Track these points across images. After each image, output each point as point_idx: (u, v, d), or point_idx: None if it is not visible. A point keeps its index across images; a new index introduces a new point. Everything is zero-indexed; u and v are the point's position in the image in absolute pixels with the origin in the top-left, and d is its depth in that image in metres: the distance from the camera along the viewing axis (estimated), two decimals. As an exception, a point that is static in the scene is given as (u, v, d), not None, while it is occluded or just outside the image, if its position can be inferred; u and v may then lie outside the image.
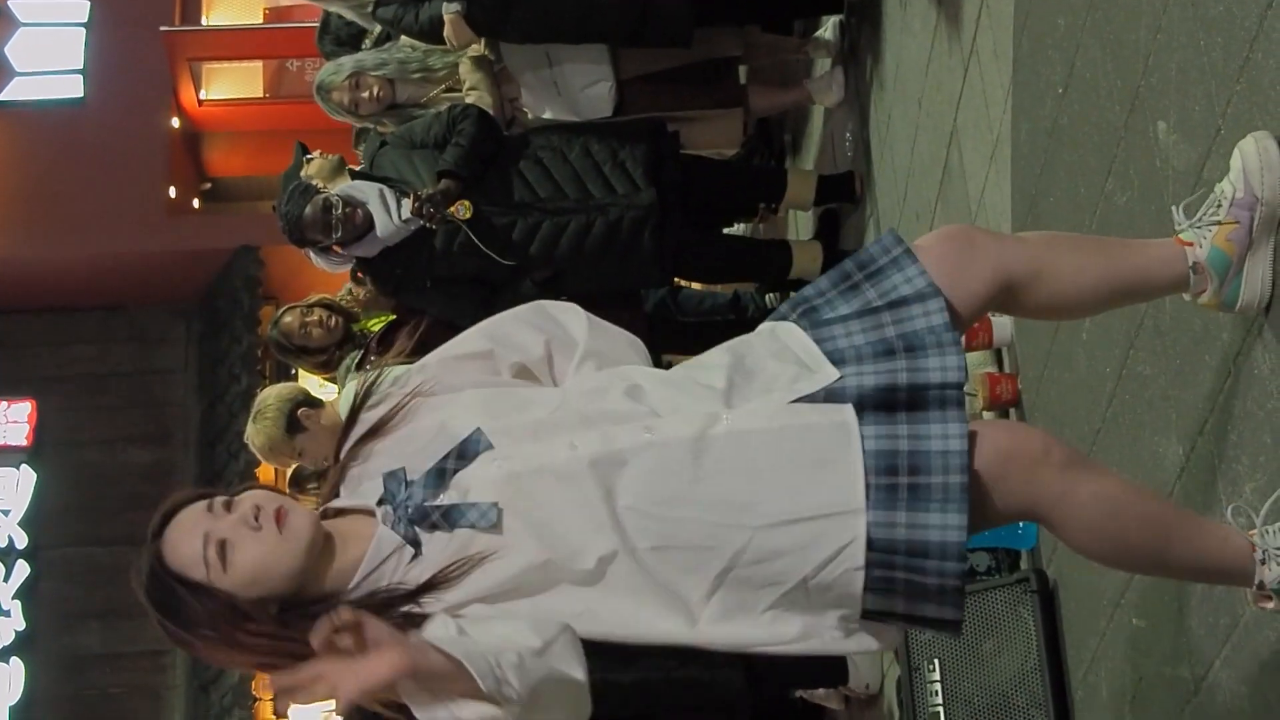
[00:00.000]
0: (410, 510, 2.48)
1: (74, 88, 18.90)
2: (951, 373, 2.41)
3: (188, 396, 18.34)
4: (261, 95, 20.00)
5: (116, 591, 17.71)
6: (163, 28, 18.77)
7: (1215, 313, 2.86)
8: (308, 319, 6.32)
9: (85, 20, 19.20)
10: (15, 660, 17.40)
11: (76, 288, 18.00)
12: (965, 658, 4.31)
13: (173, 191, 18.74)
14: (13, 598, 17.58)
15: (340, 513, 2.59)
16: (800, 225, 7.44)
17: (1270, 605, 2.55)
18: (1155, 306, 3.27)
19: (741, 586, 2.41)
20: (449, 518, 2.46)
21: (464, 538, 2.45)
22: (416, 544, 2.47)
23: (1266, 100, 2.69)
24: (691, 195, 6.26)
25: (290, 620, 2.44)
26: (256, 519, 2.46)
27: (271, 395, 5.77)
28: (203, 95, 19.71)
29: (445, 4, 5.97)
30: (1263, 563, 2.51)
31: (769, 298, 6.96)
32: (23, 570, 17.66)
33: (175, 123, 19.13)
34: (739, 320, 6.74)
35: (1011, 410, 4.50)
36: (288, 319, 6.36)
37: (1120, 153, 3.43)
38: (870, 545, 2.35)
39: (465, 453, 2.49)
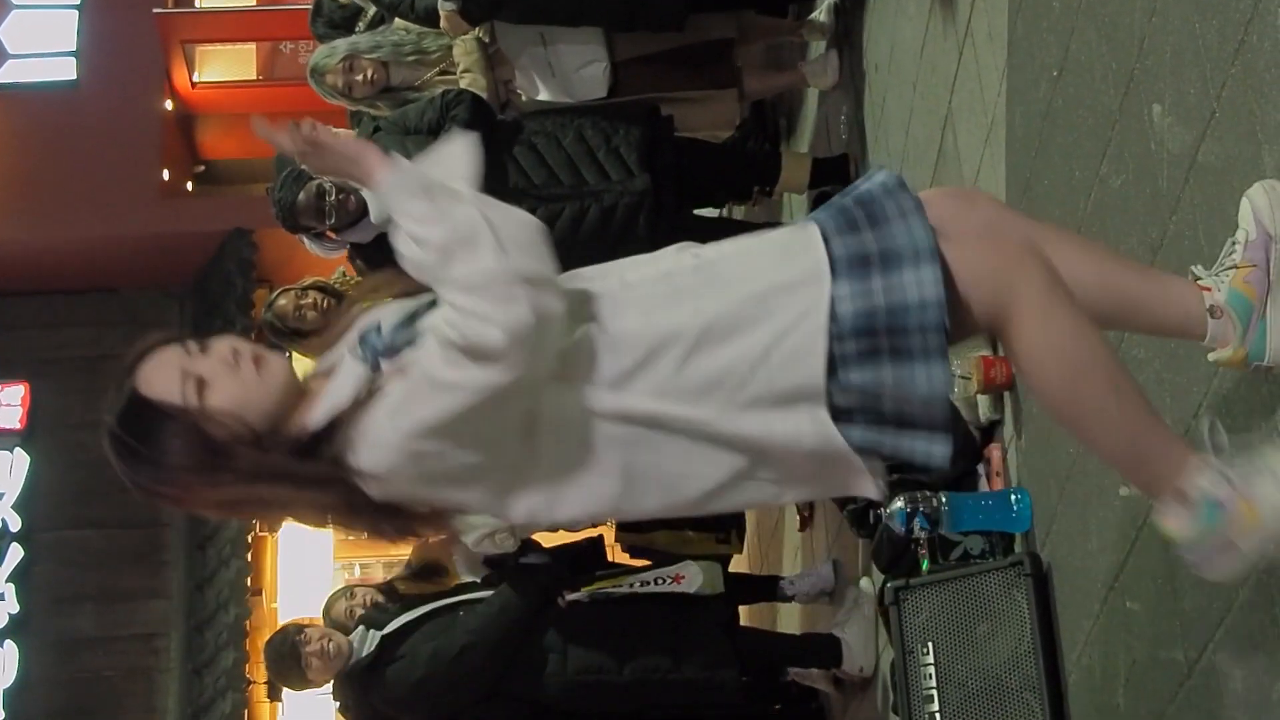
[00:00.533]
0: (379, 348, 2.52)
1: (67, 70, 18.90)
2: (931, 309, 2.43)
3: (182, 379, 18.33)
4: (255, 77, 19.98)
5: (110, 574, 17.75)
6: (156, 10, 18.76)
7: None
8: (302, 301, 6.31)
9: (78, 2, 19.18)
10: (9, 644, 17.43)
11: (70, 270, 18.00)
12: (959, 641, 4.31)
13: (166, 174, 18.73)
14: (6, 581, 17.60)
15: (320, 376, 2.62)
16: (795, 208, 7.44)
17: (1171, 524, 2.51)
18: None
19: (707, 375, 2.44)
20: (413, 344, 2.48)
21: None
22: (378, 369, 2.49)
23: (1261, 83, 2.69)
24: (686, 179, 6.25)
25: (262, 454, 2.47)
26: (235, 360, 2.49)
27: None
28: (196, 77, 19.70)
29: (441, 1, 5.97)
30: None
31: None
32: (16, 554, 17.68)
33: (168, 105, 19.12)
34: None
35: (1005, 393, 4.51)
36: (282, 301, 6.36)
37: (1115, 136, 3.43)
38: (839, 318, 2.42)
39: (437, 301, 2.48)
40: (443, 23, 6.01)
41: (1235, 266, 2.61)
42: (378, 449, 2.40)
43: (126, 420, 2.49)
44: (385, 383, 2.43)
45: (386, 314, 2.61)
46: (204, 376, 2.47)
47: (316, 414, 2.48)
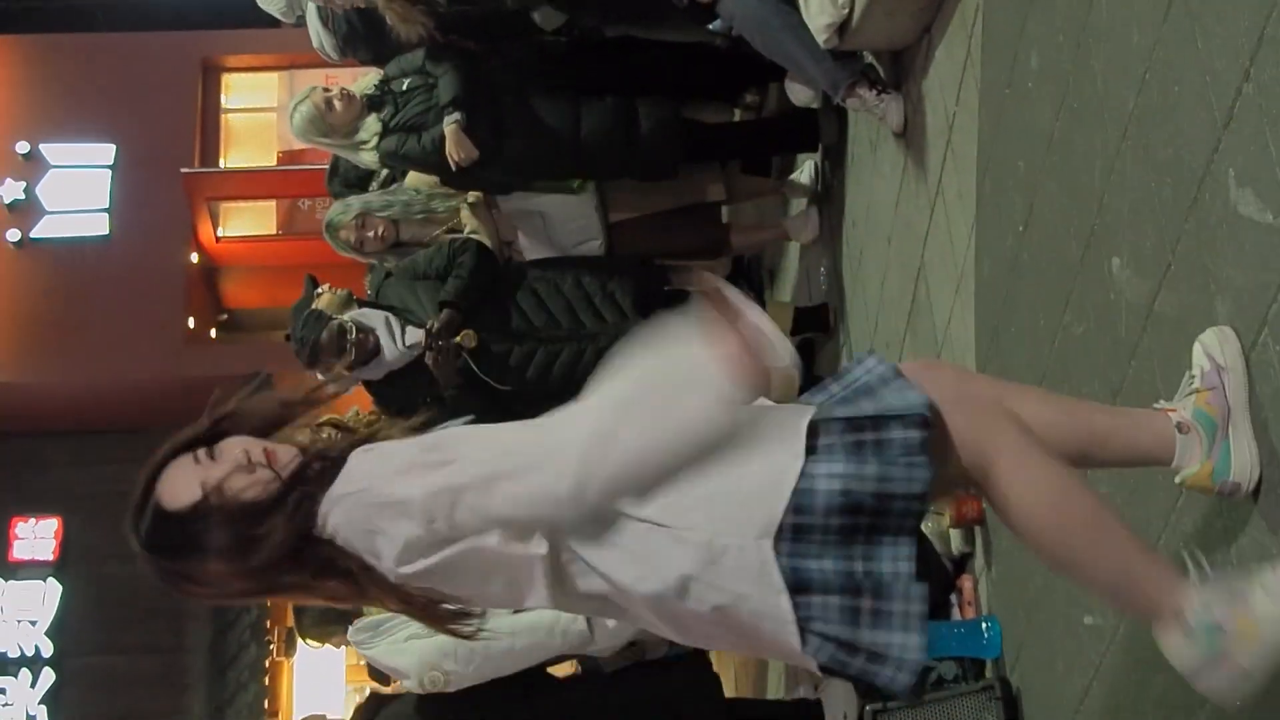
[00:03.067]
0: None
1: (100, 225, 19.03)
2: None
3: (204, 514, 18.31)
4: (275, 232, 20.13)
5: (135, 698, 17.61)
6: (183, 169, 18.93)
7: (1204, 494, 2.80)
8: (318, 436, 6.30)
9: (111, 163, 19.34)
10: (41, 765, 17.27)
11: (100, 412, 18.01)
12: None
13: (191, 322, 18.81)
14: (39, 703, 17.49)
15: None
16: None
17: (1171, 648, 2.44)
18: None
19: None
20: None
21: None
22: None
23: (1213, 238, 2.69)
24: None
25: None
26: (248, 461, 2.48)
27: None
28: (220, 232, 19.84)
29: (445, 116, 5.99)
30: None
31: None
32: (48, 678, 17.58)
33: (194, 258, 19.24)
34: None
35: (977, 527, 4.49)
36: (300, 439, 6.35)
37: (1077, 286, 3.44)
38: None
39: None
40: (449, 144, 6.01)
41: (1195, 391, 2.63)
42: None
43: (154, 534, 2.49)
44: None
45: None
46: (224, 486, 2.46)
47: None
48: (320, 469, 2.51)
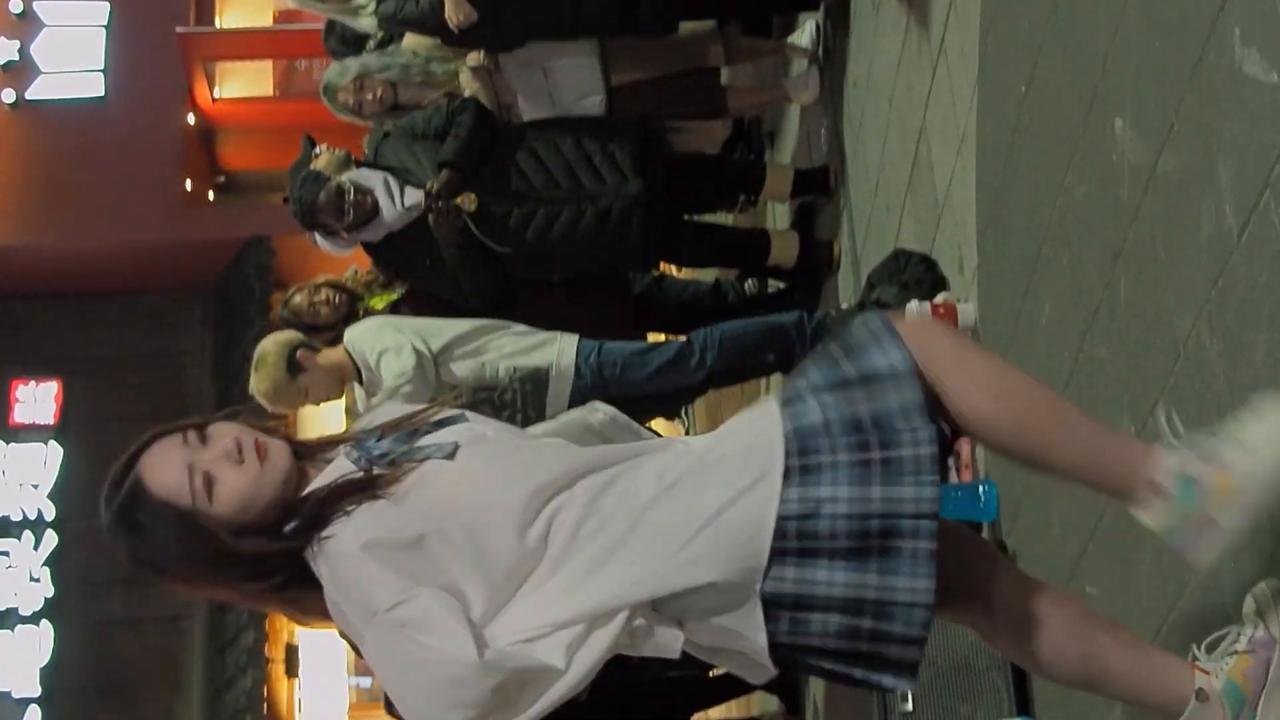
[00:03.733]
0: (373, 454, 2.46)
1: (95, 86, 18.92)
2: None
3: (204, 377, 18.35)
4: (272, 93, 20.00)
5: (138, 560, 17.78)
6: (178, 29, 18.77)
7: (1164, 299, 2.83)
8: (316, 298, 6.31)
9: (105, 22, 19.19)
10: (45, 624, 17.47)
11: (98, 275, 18.01)
12: (930, 624, 4.30)
13: (188, 184, 18.75)
14: (41, 565, 17.65)
15: (311, 458, 2.57)
16: (778, 216, 7.42)
17: (1149, 516, 2.42)
18: (1111, 293, 3.25)
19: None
20: (408, 455, 2.44)
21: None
22: (371, 470, 2.44)
23: (1217, 99, 2.67)
24: (676, 187, 6.25)
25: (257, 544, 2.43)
26: (240, 453, 2.43)
27: (269, 343, 5.70)
28: (216, 93, 19.71)
29: None
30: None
31: (748, 284, 6.94)
32: (51, 540, 17.73)
33: (190, 119, 19.12)
34: (720, 306, 6.73)
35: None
36: (297, 299, 6.36)
37: (1079, 148, 3.41)
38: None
39: (442, 423, 2.49)
40: (448, 8, 5.93)
41: (1236, 653, 2.46)
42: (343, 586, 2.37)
43: (128, 511, 2.46)
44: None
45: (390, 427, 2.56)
46: (210, 473, 2.42)
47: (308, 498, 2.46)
48: (314, 510, 2.42)
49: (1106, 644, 2.54)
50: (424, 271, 6.10)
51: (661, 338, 6.63)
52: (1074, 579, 3.55)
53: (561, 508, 2.38)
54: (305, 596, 2.43)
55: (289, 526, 2.40)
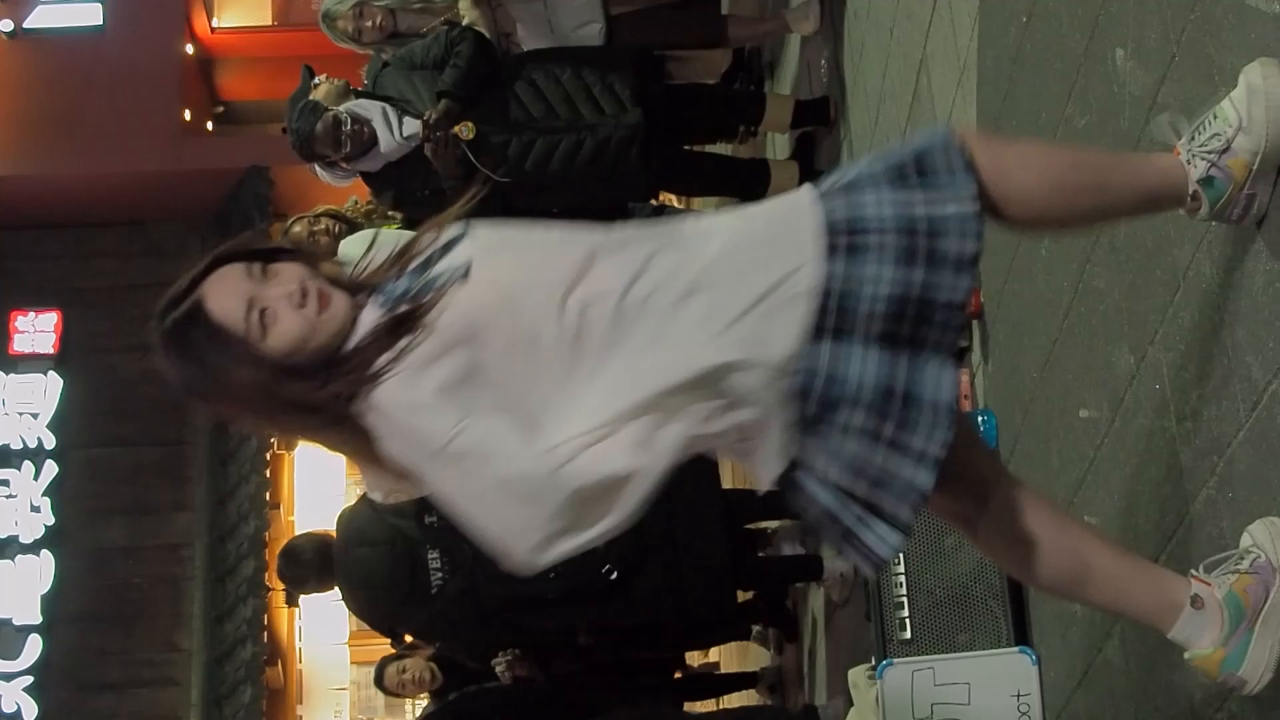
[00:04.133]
0: (395, 294, 2.45)
1: (94, 15, 18.79)
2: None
3: (204, 307, 18.33)
4: (270, 23, 19.89)
5: (138, 489, 17.80)
6: (182, -41, 18.63)
7: (1169, 231, 2.84)
8: (315, 228, 6.31)
9: (104, -49, 19.05)
10: (45, 553, 17.50)
11: (98, 205, 17.96)
12: (928, 552, 4.32)
13: (187, 114, 18.67)
14: (42, 495, 17.66)
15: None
16: (778, 146, 7.41)
17: (1201, 212, 2.51)
18: (1112, 225, 3.25)
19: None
20: (429, 287, 2.42)
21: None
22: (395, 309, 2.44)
23: (1219, 29, 2.66)
24: (676, 117, 6.23)
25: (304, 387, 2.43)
26: (303, 297, 2.42)
27: None
28: (215, 23, 19.61)
29: None
30: (1188, 162, 2.50)
31: (748, 215, 6.93)
32: (51, 469, 17.73)
33: (189, 49, 19.02)
34: None
35: (974, 321, 4.50)
36: (297, 228, 6.36)
37: (1080, 79, 3.41)
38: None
39: (449, 245, 2.47)
40: None
41: (1239, 572, 2.48)
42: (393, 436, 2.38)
43: (184, 328, 2.43)
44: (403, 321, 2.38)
45: (401, 259, 2.53)
46: (270, 310, 2.40)
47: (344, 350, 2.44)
48: (354, 363, 2.40)
49: (1097, 545, 2.59)
50: (422, 201, 6.09)
51: None
52: (1073, 508, 3.57)
53: (594, 299, 2.39)
54: (350, 440, 2.44)
55: (330, 377, 2.39)
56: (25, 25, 18.65)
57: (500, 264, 2.44)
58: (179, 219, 18.17)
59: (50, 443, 17.80)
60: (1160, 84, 2.93)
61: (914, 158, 2.44)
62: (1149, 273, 3.04)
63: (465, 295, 2.38)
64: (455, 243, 2.48)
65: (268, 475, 18.34)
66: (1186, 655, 2.52)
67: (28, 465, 17.72)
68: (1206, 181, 2.48)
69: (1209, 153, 2.47)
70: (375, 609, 6.17)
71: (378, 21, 6.43)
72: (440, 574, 5.73)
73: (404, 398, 2.34)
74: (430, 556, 5.73)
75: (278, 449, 18.85)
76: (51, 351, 18.09)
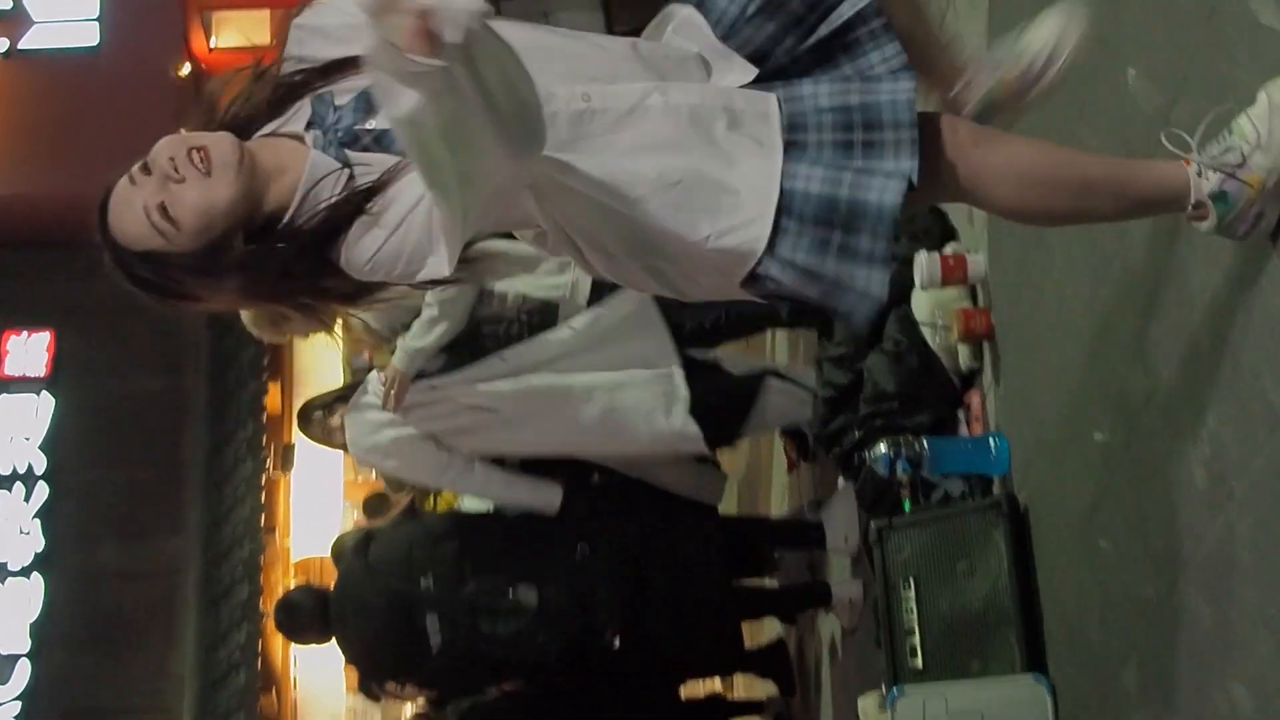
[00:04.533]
0: (340, 133, 2.41)
1: (89, 35, 18.81)
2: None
3: (198, 327, 18.30)
4: (270, 42, 19.86)
5: (131, 512, 17.75)
6: (178, -25, 18.66)
7: (1182, 251, 2.85)
8: None
9: (100, -30, 19.07)
10: (36, 577, 17.45)
11: (92, 224, 17.92)
12: (939, 577, 4.31)
13: (184, 133, 18.66)
14: (33, 518, 17.61)
15: (270, 137, 2.51)
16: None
17: (1206, 224, 2.52)
18: (1124, 243, 3.26)
19: None
20: (380, 141, 2.39)
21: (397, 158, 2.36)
22: (349, 165, 2.39)
23: (1232, 47, 2.67)
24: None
25: (261, 248, 2.40)
26: (177, 170, 2.37)
27: None
28: (213, 42, 19.63)
29: None
30: (1199, 175, 2.50)
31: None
32: (42, 492, 17.69)
33: (186, 69, 19.04)
34: None
35: (985, 343, 4.50)
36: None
37: (1091, 98, 3.41)
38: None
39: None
40: None
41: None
42: (371, 269, 2.35)
43: (130, 274, 2.48)
44: (369, 192, 2.35)
45: (337, 89, 2.48)
46: (163, 201, 2.38)
47: (290, 205, 2.40)
48: (304, 240, 2.37)
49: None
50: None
51: None
52: (1087, 533, 3.57)
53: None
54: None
55: (287, 239, 2.38)
56: (20, 45, 18.67)
57: None
58: (173, 239, 18.17)
59: (41, 465, 17.77)
60: (1173, 103, 2.94)
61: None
62: (1163, 293, 3.04)
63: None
64: None
65: (263, 499, 18.32)
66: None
67: (18, 488, 17.69)
68: (1219, 196, 2.49)
69: (1224, 166, 2.48)
70: (376, 670, 6.19)
71: None
72: (439, 635, 5.73)
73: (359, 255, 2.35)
74: (428, 619, 5.73)
75: (273, 472, 18.83)
76: (44, 373, 18.06)
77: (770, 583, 7.18)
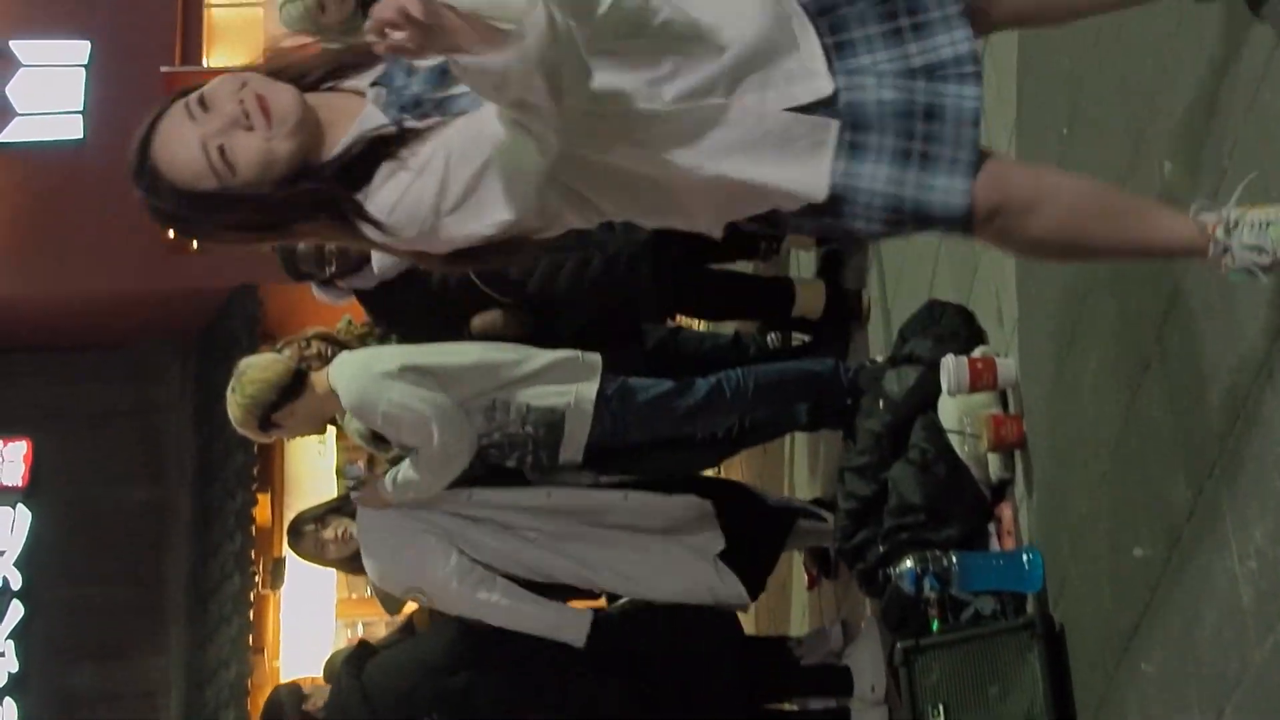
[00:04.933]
0: (404, 96, 2.52)
1: (74, 128, 18.97)
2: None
3: (184, 435, 18.32)
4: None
5: (111, 631, 17.69)
6: (164, 68, 18.82)
7: (1222, 354, 2.84)
8: (306, 352, 6.26)
9: (86, 61, 19.26)
10: (9, 701, 17.37)
11: (75, 326, 18.03)
12: (970, 702, 4.26)
13: (171, 232, 18.77)
14: (6, 638, 17.56)
15: (333, 91, 2.62)
16: (802, 264, 7.43)
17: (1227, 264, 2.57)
18: (1162, 347, 3.25)
19: None
20: (442, 106, 2.49)
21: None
22: (402, 126, 2.50)
23: (1272, 140, 2.68)
24: (693, 237, 6.22)
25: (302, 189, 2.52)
26: (245, 117, 2.47)
27: (251, 384, 5.53)
28: (202, 136, 19.76)
29: None
30: (1225, 251, 2.55)
31: (770, 337, 6.92)
32: (17, 611, 17.65)
33: (174, 162, 19.16)
34: (740, 361, 6.72)
35: (1016, 452, 4.48)
36: (286, 353, 6.32)
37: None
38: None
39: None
40: None
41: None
42: (407, 225, 2.47)
43: (163, 205, 2.56)
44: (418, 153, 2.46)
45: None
46: (224, 144, 2.47)
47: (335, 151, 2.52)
48: (338, 176, 2.51)
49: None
50: (422, 320, 6.08)
51: None
52: (1128, 653, 3.54)
53: None
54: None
55: (318, 182, 2.50)
56: (2, 139, 18.83)
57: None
58: (161, 341, 18.24)
59: (17, 582, 17.73)
60: (1211, 197, 2.94)
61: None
62: (1206, 400, 3.03)
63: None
64: None
65: (251, 617, 18.26)
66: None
67: (-8, 606, 17.66)
68: (1242, 273, 2.56)
69: (1250, 263, 2.52)
70: None
71: None
72: None
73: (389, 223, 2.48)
74: None
75: (262, 588, 18.77)
76: (20, 484, 18.07)
77: (790, 707, 7.12)
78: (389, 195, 2.46)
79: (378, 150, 2.47)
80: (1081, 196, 2.65)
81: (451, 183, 2.42)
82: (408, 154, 2.45)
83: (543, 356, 5.46)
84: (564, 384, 5.43)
